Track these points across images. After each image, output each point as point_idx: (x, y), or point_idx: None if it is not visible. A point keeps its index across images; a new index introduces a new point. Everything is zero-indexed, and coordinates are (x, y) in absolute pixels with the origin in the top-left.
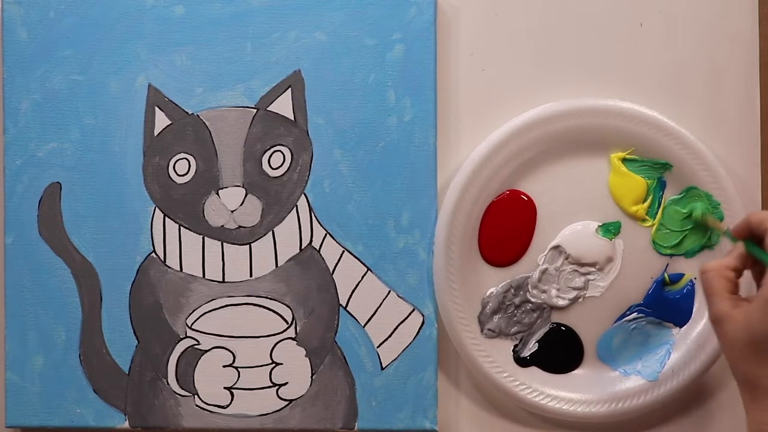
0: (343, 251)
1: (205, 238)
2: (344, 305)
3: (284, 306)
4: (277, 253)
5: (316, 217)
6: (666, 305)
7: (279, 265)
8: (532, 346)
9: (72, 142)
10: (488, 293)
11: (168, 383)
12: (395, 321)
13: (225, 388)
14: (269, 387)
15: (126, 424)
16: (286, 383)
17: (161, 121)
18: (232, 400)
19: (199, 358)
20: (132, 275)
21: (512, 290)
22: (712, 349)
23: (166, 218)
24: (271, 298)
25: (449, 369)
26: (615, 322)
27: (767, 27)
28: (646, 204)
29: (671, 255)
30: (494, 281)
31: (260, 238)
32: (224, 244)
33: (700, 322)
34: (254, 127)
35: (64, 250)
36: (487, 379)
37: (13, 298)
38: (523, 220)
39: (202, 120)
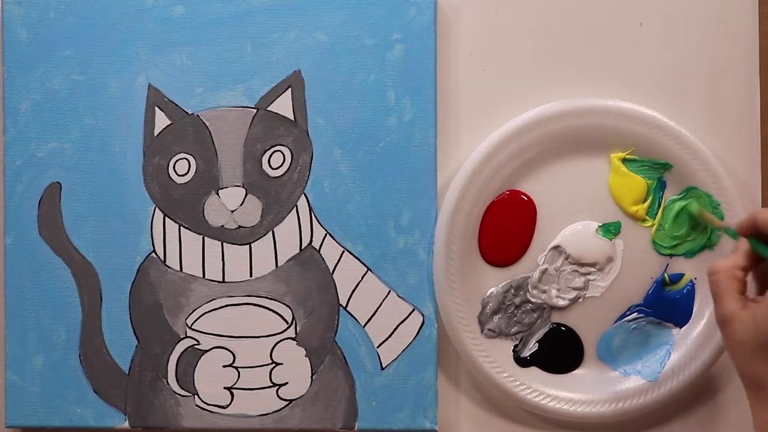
0: (343, 251)
1: (205, 238)
2: (344, 305)
3: (284, 306)
4: (277, 253)
5: (316, 217)
6: (666, 305)
7: (279, 265)
8: (532, 346)
9: (72, 142)
10: (488, 293)
11: (168, 383)
12: (395, 321)
13: (225, 388)
14: (269, 387)
15: (126, 424)
16: (286, 383)
17: (161, 121)
18: (232, 400)
19: (199, 358)
20: (132, 275)
21: (512, 290)
22: (712, 349)
23: (166, 218)
24: (271, 298)
25: (449, 369)
26: (615, 322)
27: (767, 27)
28: (646, 204)
29: (671, 255)
30: (494, 281)
31: (260, 238)
32: (224, 244)
33: (700, 322)
34: (254, 127)
35: (64, 250)
36: (487, 379)
37: (13, 298)
38: (523, 220)
39: (202, 120)
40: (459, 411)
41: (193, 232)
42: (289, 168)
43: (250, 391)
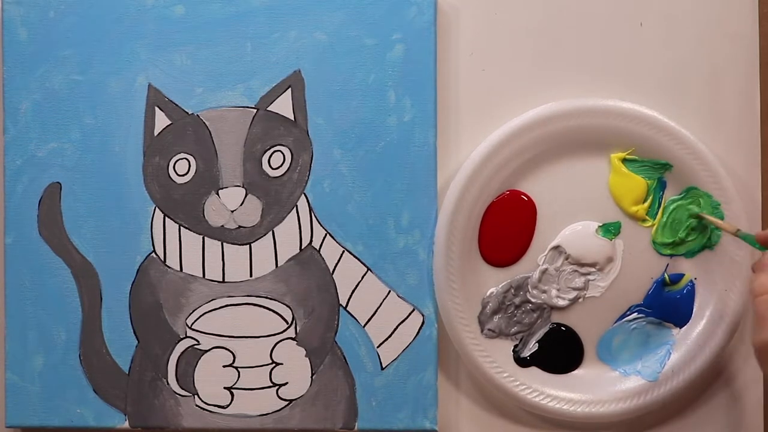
0: (343, 251)
1: (205, 238)
2: (344, 305)
3: (284, 306)
4: (277, 253)
5: (316, 217)
6: (666, 305)
7: (279, 265)
8: (532, 346)
9: (72, 142)
10: (488, 293)
11: (168, 383)
12: (395, 321)
13: (225, 388)
14: (269, 387)
15: (126, 424)
16: (286, 383)
17: (161, 121)
18: (232, 400)
19: (199, 358)
20: (132, 275)
21: (512, 290)
22: (712, 349)
23: (166, 218)
24: (271, 298)
25: (449, 369)
26: (615, 322)
27: (767, 27)
28: (646, 204)
29: (671, 255)
30: (494, 281)
31: (260, 238)
32: (224, 244)
33: (700, 323)
34: (254, 127)
35: (64, 250)
36: (487, 379)
37: (13, 298)
38: (523, 220)
39: (202, 120)
40: (459, 411)
41: (193, 232)
42: (289, 168)
43: (250, 391)
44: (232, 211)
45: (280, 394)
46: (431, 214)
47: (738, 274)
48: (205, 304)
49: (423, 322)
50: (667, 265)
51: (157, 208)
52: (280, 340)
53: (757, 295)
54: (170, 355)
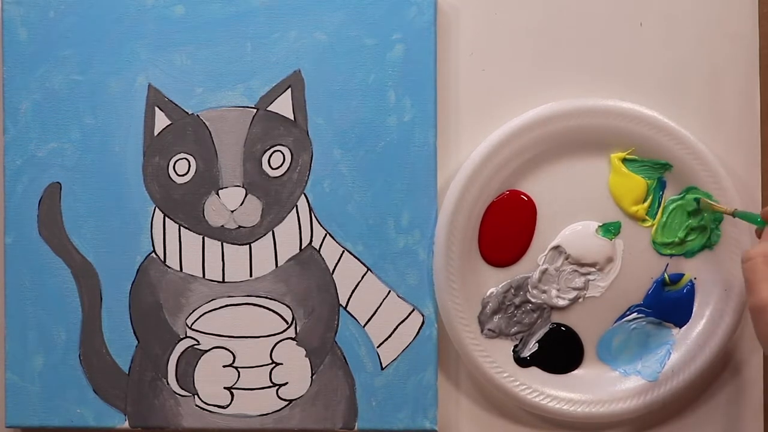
0: (343, 251)
1: (205, 238)
2: (344, 305)
3: (284, 306)
4: (277, 253)
5: (316, 217)
6: (666, 305)
7: (279, 265)
8: (532, 347)
9: (72, 142)
10: (488, 293)
11: (168, 383)
12: (395, 321)
13: (225, 388)
14: (269, 387)
15: (126, 424)
16: (286, 383)
17: (161, 121)
18: (232, 400)
19: (199, 358)
20: (132, 275)
21: (512, 290)
22: (712, 349)
23: (166, 218)
24: (271, 298)
25: (449, 369)
26: (615, 322)
27: (767, 27)
28: (646, 204)
29: (671, 255)
30: (494, 281)
31: (260, 238)
32: (224, 244)
33: (700, 322)
34: (254, 127)
35: (64, 250)
36: (487, 379)
37: (13, 298)
38: (523, 220)
39: (202, 120)
40: (459, 411)
41: (193, 232)
42: (289, 168)
43: (250, 391)
44: (232, 211)
45: (280, 394)
46: (431, 214)
47: (738, 274)
48: (205, 304)
49: (423, 322)
50: (667, 265)
51: (157, 208)
52: (280, 340)
53: (745, 260)
54: (170, 355)
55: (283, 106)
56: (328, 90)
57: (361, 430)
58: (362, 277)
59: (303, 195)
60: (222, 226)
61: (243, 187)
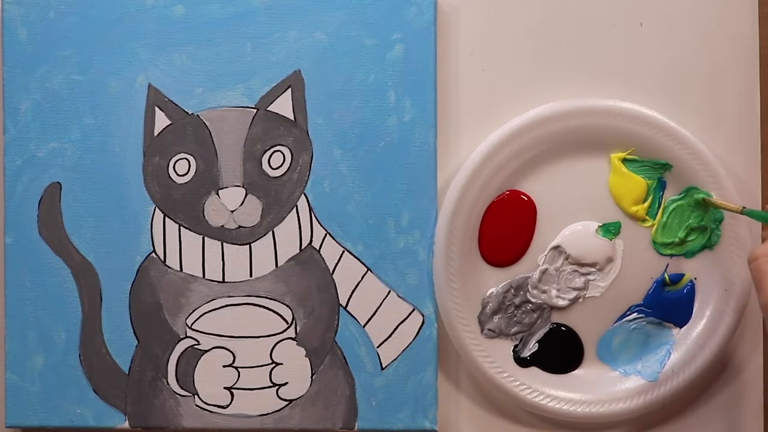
0: (343, 251)
1: (205, 238)
2: (344, 305)
3: (284, 306)
4: (277, 253)
5: (316, 217)
6: (666, 305)
7: (279, 265)
8: (532, 347)
9: (72, 142)
10: (488, 293)
11: (168, 383)
12: (395, 321)
13: (225, 388)
14: (269, 387)
15: (126, 424)
16: (286, 383)
17: (161, 121)
18: (232, 400)
19: (199, 358)
20: (132, 275)
21: (512, 290)
22: (712, 349)
23: (166, 218)
24: (271, 298)
25: (449, 369)
26: (615, 322)
27: (767, 27)
28: (646, 204)
29: (671, 255)
30: (494, 281)
31: (260, 238)
32: (224, 244)
33: (700, 322)
34: (254, 127)
35: (64, 250)
36: (487, 379)
37: (13, 298)
38: (523, 220)
39: (202, 120)
40: (459, 411)
41: (193, 232)
42: (289, 168)
43: (250, 391)
44: (232, 211)
45: (280, 394)
46: (431, 214)
47: (738, 274)
48: (205, 304)
49: (423, 322)
50: (667, 265)
51: (157, 208)
52: (280, 340)
53: (751, 260)
54: (170, 355)
55: (283, 106)
56: (328, 90)
57: (361, 430)
58: (362, 277)
59: (303, 195)
60: (222, 226)
61: (243, 187)
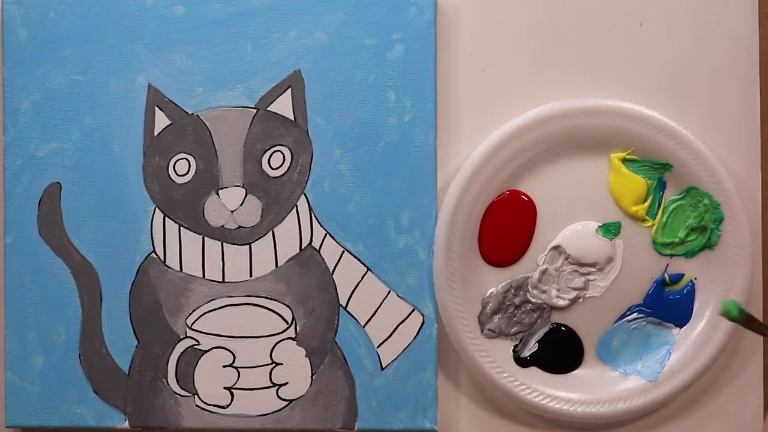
0: (343, 251)
1: (205, 238)
2: (344, 305)
3: (284, 306)
4: (277, 253)
5: (316, 217)
6: (666, 305)
7: (279, 265)
8: (532, 346)
9: (72, 142)
10: (488, 293)
11: (168, 383)
12: (395, 321)
13: (225, 388)
14: (269, 387)
15: (126, 424)
16: (286, 383)
17: (161, 121)
18: (232, 400)
19: (199, 358)
20: (132, 275)
21: (512, 290)
22: (712, 349)
23: (166, 218)
24: (271, 298)
25: (449, 369)
26: (615, 322)
27: (767, 27)
28: (647, 204)
29: (671, 255)
30: (494, 281)
31: (260, 238)
32: (224, 244)
33: (700, 323)
34: (254, 127)
35: (64, 250)
36: (487, 379)
37: (13, 298)
38: (523, 220)
39: (202, 120)
40: (459, 411)
41: (193, 232)
42: (289, 168)
43: (250, 391)
44: (232, 211)
45: (280, 394)
46: (431, 214)
47: (738, 274)
48: (205, 304)
49: (423, 322)
50: (667, 265)
51: (157, 208)
52: (280, 340)
53: None
54: (170, 355)
55: (283, 106)
56: (328, 90)
57: (361, 430)
58: (362, 277)
59: (303, 195)
60: (222, 226)
61: (243, 187)
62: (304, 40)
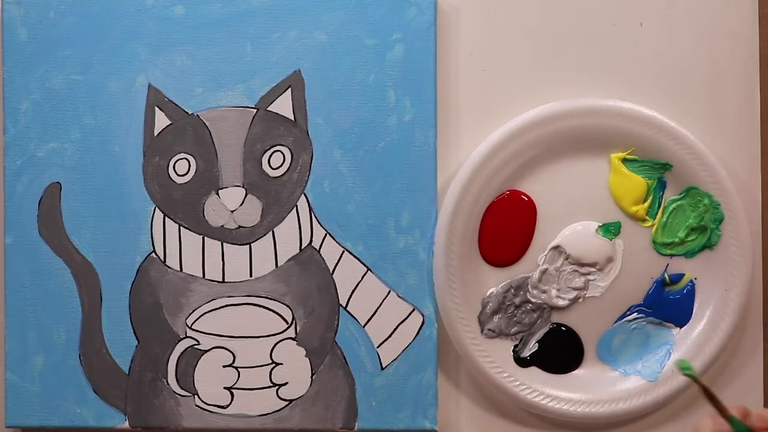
0: (343, 251)
1: (205, 238)
2: (344, 305)
3: (284, 306)
4: (277, 253)
5: (316, 217)
6: (666, 305)
7: (279, 265)
8: (532, 346)
9: (72, 142)
10: (488, 293)
11: (168, 383)
12: (395, 321)
13: (225, 388)
14: (269, 387)
15: (126, 424)
16: (286, 383)
17: (161, 121)
18: (232, 400)
19: (199, 358)
20: (132, 275)
21: (512, 290)
22: (712, 349)
23: (166, 218)
24: (271, 298)
25: (449, 369)
26: (615, 322)
27: (767, 27)
28: (647, 204)
29: (671, 255)
30: (494, 281)
31: (260, 238)
32: (224, 244)
33: (700, 323)
34: (254, 127)
35: (64, 250)
36: (487, 379)
37: (13, 298)
38: (523, 220)
39: (202, 120)
40: (459, 411)
41: (193, 232)
42: (289, 168)
43: (250, 391)
44: (232, 211)
45: (280, 394)
46: (431, 214)
47: (738, 274)
48: (205, 304)
49: (423, 322)
50: (667, 265)
51: (157, 208)
52: (280, 340)
53: None
54: (170, 355)
55: (283, 106)
56: (328, 90)
57: (361, 430)
58: (362, 277)
59: (303, 195)
60: (222, 226)
61: (243, 187)
62: (304, 40)
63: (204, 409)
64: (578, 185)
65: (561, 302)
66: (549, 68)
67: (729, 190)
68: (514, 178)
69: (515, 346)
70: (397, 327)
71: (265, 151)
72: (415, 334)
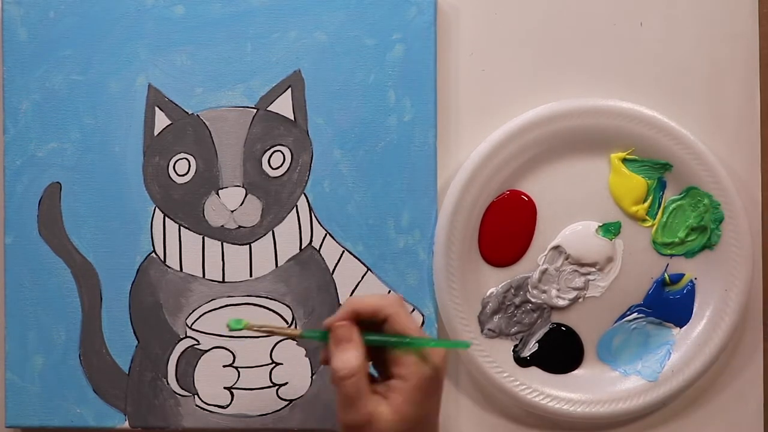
0: (343, 251)
1: (205, 238)
2: None
3: (284, 306)
4: (277, 253)
5: (316, 217)
6: (666, 305)
7: (279, 265)
8: (532, 346)
9: (72, 142)
10: (488, 293)
11: (168, 383)
12: None
13: (225, 388)
14: (269, 387)
15: (126, 424)
16: (286, 383)
17: (161, 121)
18: (232, 400)
19: (199, 358)
20: (132, 275)
21: (512, 290)
22: (712, 349)
23: (166, 218)
24: (271, 298)
25: (449, 369)
26: (615, 322)
27: (767, 27)
28: (647, 204)
29: (671, 255)
30: (494, 281)
31: (260, 238)
32: (224, 244)
33: (700, 323)
34: (254, 127)
35: (64, 250)
36: (487, 379)
37: (13, 298)
38: (523, 220)
39: (202, 120)
40: (459, 411)
41: (193, 232)
42: (289, 168)
43: (250, 391)
44: (232, 211)
45: (280, 394)
46: (431, 214)
47: (738, 274)
48: (205, 304)
49: (423, 322)
50: (667, 265)
51: (157, 208)
52: (281, 340)
53: (342, 378)
54: (170, 355)
55: (283, 106)
56: (328, 90)
57: None
58: (362, 277)
59: (303, 195)
60: (222, 226)
61: (243, 187)
62: (304, 40)
63: (204, 409)
64: (578, 185)
65: (561, 302)
66: (549, 68)
67: (729, 190)
68: (514, 178)
69: (515, 346)
70: None
71: (265, 151)
72: None
